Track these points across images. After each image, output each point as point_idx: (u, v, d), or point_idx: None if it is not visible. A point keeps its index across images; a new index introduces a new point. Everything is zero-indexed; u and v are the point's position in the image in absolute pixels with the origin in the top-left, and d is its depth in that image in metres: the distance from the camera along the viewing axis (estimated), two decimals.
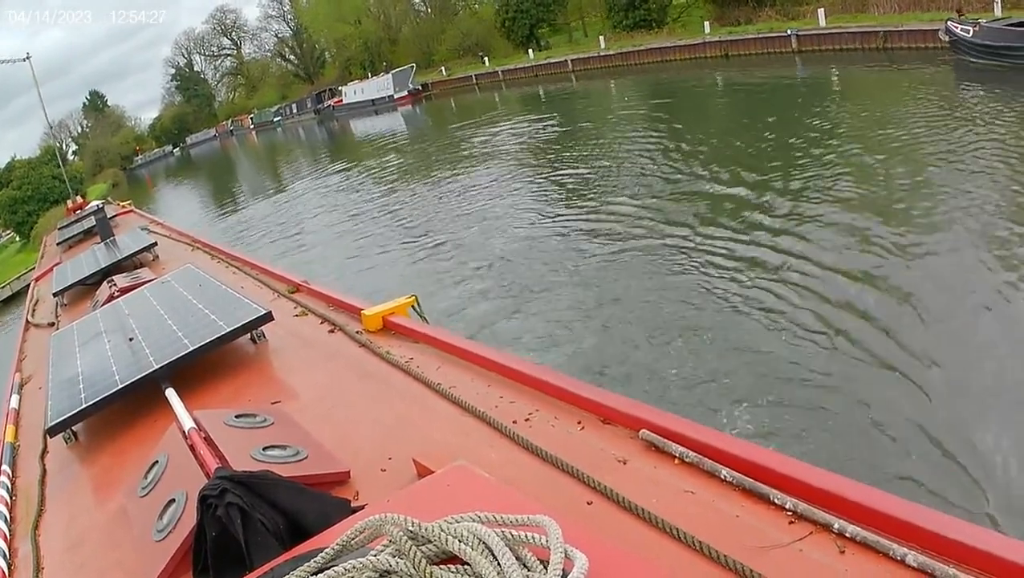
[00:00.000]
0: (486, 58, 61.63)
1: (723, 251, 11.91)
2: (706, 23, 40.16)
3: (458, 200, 20.67)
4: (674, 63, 39.66)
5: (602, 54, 46.47)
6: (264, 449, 2.88)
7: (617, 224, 14.60)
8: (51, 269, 12.39)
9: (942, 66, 24.17)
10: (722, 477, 2.27)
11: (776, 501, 2.15)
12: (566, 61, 49.90)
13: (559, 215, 16.62)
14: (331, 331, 4.65)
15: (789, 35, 33.16)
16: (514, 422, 2.91)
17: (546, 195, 19.12)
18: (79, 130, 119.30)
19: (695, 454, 2.38)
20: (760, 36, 34.98)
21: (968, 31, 23.42)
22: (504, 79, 55.96)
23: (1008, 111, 17.48)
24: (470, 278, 13.51)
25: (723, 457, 2.32)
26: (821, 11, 32.46)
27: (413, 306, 4.51)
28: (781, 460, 2.22)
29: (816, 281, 10.11)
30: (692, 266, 11.62)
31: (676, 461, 2.42)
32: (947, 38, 24.56)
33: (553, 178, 20.81)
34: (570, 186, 19.28)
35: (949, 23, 24.61)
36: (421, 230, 18.16)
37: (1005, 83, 20.38)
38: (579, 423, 2.81)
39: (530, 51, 56.59)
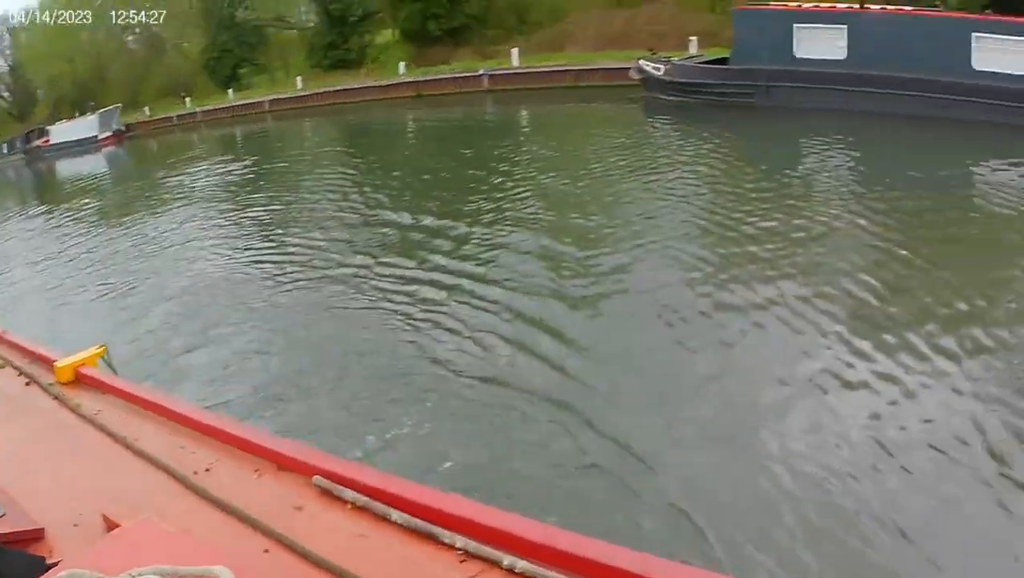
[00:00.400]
0: (188, 98, 59.29)
1: (409, 279, 12.17)
2: (401, 64, 39.70)
3: (152, 241, 20.11)
4: (369, 103, 38.94)
5: (298, 94, 45.11)
6: None
7: (305, 258, 14.80)
8: None
9: (632, 103, 24.88)
10: (393, 520, 2.35)
11: (446, 541, 2.23)
12: (263, 102, 48.16)
13: (248, 252, 16.58)
14: (27, 384, 4.47)
15: (481, 75, 33.17)
16: (195, 473, 2.93)
17: (237, 233, 18.99)
18: None
19: (366, 498, 2.47)
20: (453, 76, 34.80)
21: (659, 69, 23.82)
22: (203, 119, 53.96)
23: (693, 142, 18.70)
24: (160, 319, 13.11)
25: (393, 500, 2.41)
26: (515, 51, 32.79)
27: (103, 356, 4.52)
28: (449, 500, 2.33)
29: (499, 304, 10.35)
30: (377, 295, 11.78)
31: (348, 506, 2.49)
32: (638, 76, 24.71)
33: (245, 216, 20.78)
34: (262, 223, 19.32)
35: (640, 62, 24.77)
36: (114, 274, 17.63)
37: (691, 117, 21.63)
38: (256, 471, 2.87)
39: (230, 91, 54.78)
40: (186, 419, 3.43)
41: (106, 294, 16.09)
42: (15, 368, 4.85)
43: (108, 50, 75.09)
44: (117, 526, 2.46)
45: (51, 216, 31.28)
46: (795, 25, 20.21)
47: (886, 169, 14.54)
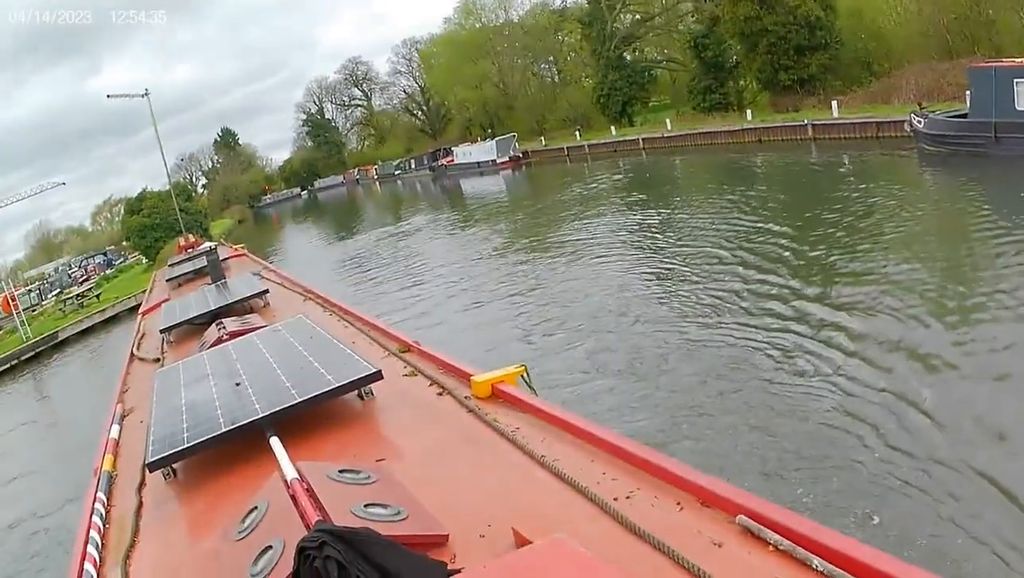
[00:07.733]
0: (579, 132, 65.12)
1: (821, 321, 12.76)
2: (748, 111, 45.23)
3: (565, 266, 21.42)
4: (720, 145, 44.08)
5: (666, 135, 51.17)
6: (365, 506, 2.92)
7: (725, 294, 15.10)
8: (159, 305, 12.40)
9: (909, 152, 27.65)
10: (814, 567, 2.27)
11: None
12: (638, 140, 54.20)
13: (666, 287, 16.77)
14: (439, 394, 4.68)
15: (805, 124, 37.41)
16: (615, 499, 2.94)
17: (650, 265, 19.59)
18: (209, 164, 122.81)
19: (789, 542, 2.39)
20: (784, 124, 39.44)
21: (921, 122, 26.47)
22: (590, 152, 59.81)
23: (955, 192, 20.75)
24: (578, 349, 13.56)
25: (817, 547, 2.33)
26: (835, 103, 37.06)
27: (523, 376, 4.59)
28: (874, 554, 2.22)
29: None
30: (799, 346, 11.84)
31: (771, 548, 2.42)
32: (909, 129, 27.60)
33: (651, 244, 22.17)
34: (675, 256, 19.73)
35: (912, 115, 27.44)
36: (532, 296, 18.58)
37: (949, 166, 23.99)
38: (678, 504, 2.85)
39: (612, 128, 60.67)
40: (608, 445, 3.36)
41: (520, 316, 16.70)
42: (427, 377, 4.98)
43: (513, 81, 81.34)
44: (527, 542, 2.51)
45: (465, 230, 34.53)
46: (1015, 80, 21.50)
47: None
